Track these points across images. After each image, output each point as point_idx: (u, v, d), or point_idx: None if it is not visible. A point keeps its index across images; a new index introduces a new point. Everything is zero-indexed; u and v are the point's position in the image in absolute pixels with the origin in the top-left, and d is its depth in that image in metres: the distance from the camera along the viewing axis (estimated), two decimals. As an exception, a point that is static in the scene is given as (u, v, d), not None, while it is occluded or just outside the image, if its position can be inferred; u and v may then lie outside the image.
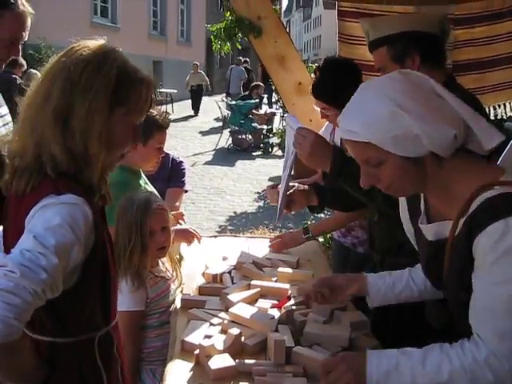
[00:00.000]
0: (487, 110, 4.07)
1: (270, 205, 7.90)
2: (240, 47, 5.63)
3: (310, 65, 12.93)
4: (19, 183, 1.61)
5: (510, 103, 4.25)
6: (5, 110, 2.95)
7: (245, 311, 2.44)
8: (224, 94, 20.62)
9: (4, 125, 2.89)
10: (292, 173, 2.79)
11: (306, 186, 3.04)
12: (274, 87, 7.12)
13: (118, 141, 1.71)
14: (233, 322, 2.41)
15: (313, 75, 3.29)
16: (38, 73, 1.74)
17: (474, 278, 1.61)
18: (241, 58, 22.63)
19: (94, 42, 1.69)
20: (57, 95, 1.59)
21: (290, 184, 2.93)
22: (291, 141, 2.61)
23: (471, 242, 1.58)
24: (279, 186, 3.02)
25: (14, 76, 9.28)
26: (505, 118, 4.38)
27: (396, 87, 1.65)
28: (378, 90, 1.68)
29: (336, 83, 3.05)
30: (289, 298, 2.60)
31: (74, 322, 1.71)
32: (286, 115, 3.22)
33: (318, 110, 3.24)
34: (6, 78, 8.66)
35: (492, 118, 4.16)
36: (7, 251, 1.61)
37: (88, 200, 1.60)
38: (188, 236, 3.17)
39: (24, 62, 9.96)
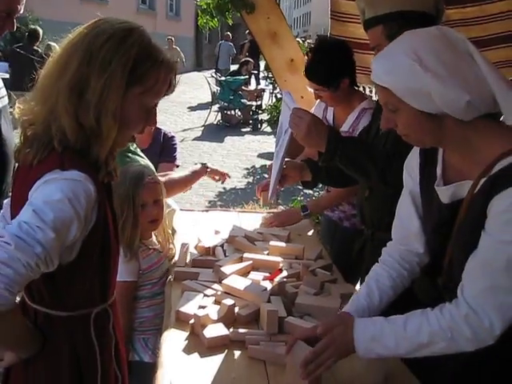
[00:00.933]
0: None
1: (260, 181, 7.94)
2: (231, 23, 5.61)
3: (298, 40, 12.91)
4: (28, 154, 1.60)
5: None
6: (-1, 83, 2.96)
7: (238, 283, 2.50)
8: (213, 70, 20.49)
9: (0, 98, 2.90)
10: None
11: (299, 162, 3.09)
12: (264, 64, 7.14)
13: (131, 120, 1.68)
14: (226, 293, 2.47)
15: (305, 57, 3.32)
16: (56, 46, 1.72)
17: (482, 235, 1.64)
18: (229, 33, 22.44)
19: (119, 19, 1.68)
20: (75, 66, 1.57)
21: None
22: (286, 118, 2.65)
23: (488, 202, 1.62)
24: (272, 163, 3.06)
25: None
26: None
27: (426, 43, 1.68)
28: (409, 42, 1.72)
29: (328, 65, 3.10)
30: (280, 271, 2.66)
31: (71, 296, 1.71)
32: (283, 92, 3.21)
33: (312, 90, 3.28)
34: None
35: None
36: (12, 219, 1.62)
37: (92, 176, 1.59)
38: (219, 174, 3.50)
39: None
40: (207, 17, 5.05)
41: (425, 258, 2.01)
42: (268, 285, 2.52)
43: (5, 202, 2.00)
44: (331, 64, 3.09)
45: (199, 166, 3.54)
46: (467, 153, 1.73)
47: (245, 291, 2.44)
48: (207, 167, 3.51)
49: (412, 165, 2.00)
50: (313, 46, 3.34)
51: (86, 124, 1.59)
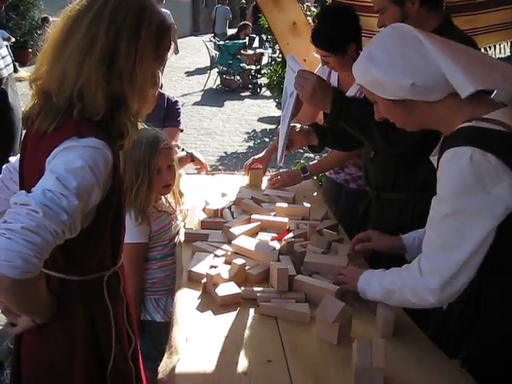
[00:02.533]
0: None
1: (260, 145, 7.95)
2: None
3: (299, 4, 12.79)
4: (43, 122, 1.61)
5: (500, 45, 4.27)
6: (5, 51, 2.98)
7: (247, 243, 2.55)
8: (211, 34, 20.30)
9: (6, 66, 2.92)
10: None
11: (306, 126, 3.12)
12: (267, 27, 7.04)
13: (146, 85, 1.72)
14: (236, 253, 2.53)
15: (312, 23, 3.33)
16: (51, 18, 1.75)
17: None
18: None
19: None
20: (102, 39, 1.60)
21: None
22: (290, 81, 2.68)
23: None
24: (279, 127, 3.09)
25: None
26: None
27: (378, 40, 1.95)
28: (369, 44, 1.98)
29: (334, 31, 3.12)
30: (288, 231, 2.72)
31: (85, 261, 1.75)
32: (287, 56, 3.22)
33: (319, 56, 3.30)
34: None
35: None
36: (25, 186, 1.66)
37: (109, 143, 1.62)
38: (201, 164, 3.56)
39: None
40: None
41: None
42: (276, 245, 2.58)
43: (3, 167, 2.00)
44: (338, 29, 3.11)
45: (184, 153, 3.57)
46: (444, 129, 1.90)
47: (254, 251, 2.50)
48: (192, 156, 3.56)
49: None
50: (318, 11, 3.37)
51: (114, 94, 1.62)
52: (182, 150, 3.61)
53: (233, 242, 2.58)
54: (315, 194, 3.55)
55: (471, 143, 1.70)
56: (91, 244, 1.73)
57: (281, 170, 4.27)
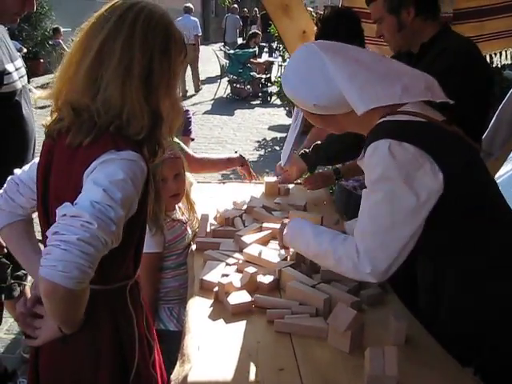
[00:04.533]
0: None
1: (271, 153, 7.95)
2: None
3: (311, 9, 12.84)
4: (77, 136, 1.64)
5: (506, 51, 4.28)
6: (19, 62, 3.00)
7: (258, 251, 2.56)
8: (221, 43, 20.36)
9: (20, 77, 2.95)
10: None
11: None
12: (276, 35, 7.07)
13: (177, 97, 1.83)
14: (247, 261, 2.53)
15: (315, 28, 3.37)
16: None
17: None
18: (236, 6, 22.25)
19: (147, 2, 1.74)
20: (140, 62, 1.65)
21: None
22: None
23: None
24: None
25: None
26: (499, 66, 4.42)
27: (292, 58, 2.16)
28: (288, 61, 2.22)
29: (336, 34, 3.13)
30: None
31: (112, 270, 1.77)
32: None
33: None
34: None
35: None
36: (53, 197, 1.69)
37: (143, 156, 1.67)
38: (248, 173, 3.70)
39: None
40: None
41: None
42: (287, 253, 2.58)
43: (8, 179, 1.95)
44: (338, 32, 3.14)
45: (237, 155, 3.69)
46: (366, 132, 1.99)
47: (266, 259, 2.50)
48: (244, 161, 3.67)
49: None
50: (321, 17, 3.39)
51: (155, 111, 1.69)
52: (236, 152, 3.71)
53: (244, 250, 2.59)
54: (324, 202, 3.55)
55: (387, 135, 1.83)
56: (120, 254, 1.73)
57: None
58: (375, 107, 1.87)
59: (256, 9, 27.40)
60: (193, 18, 15.40)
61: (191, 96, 15.29)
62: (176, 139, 3.09)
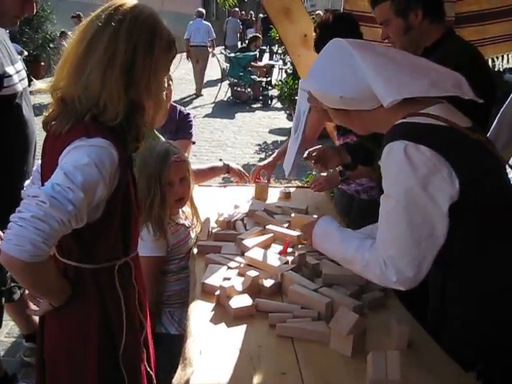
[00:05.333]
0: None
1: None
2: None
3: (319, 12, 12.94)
4: (59, 125, 1.79)
5: (507, 55, 4.28)
6: (20, 65, 3.00)
7: (260, 255, 2.56)
8: (222, 47, 20.37)
9: (20, 80, 2.95)
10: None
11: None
12: (277, 39, 7.03)
13: (160, 92, 1.93)
14: (249, 265, 2.53)
15: (313, 33, 3.37)
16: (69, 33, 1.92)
17: None
18: (237, 9, 22.27)
19: (136, 2, 1.88)
20: (122, 52, 1.77)
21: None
22: (303, 102, 2.73)
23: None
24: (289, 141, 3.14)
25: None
26: (501, 69, 4.43)
27: (319, 54, 2.11)
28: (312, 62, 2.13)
29: (334, 36, 3.13)
30: (288, 244, 2.71)
31: (98, 250, 1.91)
32: (301, 80, 3.22)
33: None
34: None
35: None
36: (43, 182, 1.80)
37: (114, 143, 1.76)
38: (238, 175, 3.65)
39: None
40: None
41: None
42: (290, 257, 2.58)
43: (34, 168, 2.21)
44: (339, 36, 3.13)
45: (221, 163, 3.67)
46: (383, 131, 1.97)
47: (267, 263, 2.50)
48: (229, 168, 3.65)
49: None
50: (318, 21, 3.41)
51: (133, 100, 1.81)
52: (220, 160, 3.67)
53: (246, 254, 2.59)
54: (328, 204, 3.55)
55: (403, 137, 1.80)
56: (102, 235, 1.89)
57: (293, 182, 4.28)
58: (399, 107, 1.84)
59: (252, 12, 27.39)
60: (205, 22, 16.00)
61: (194, 97, 15.35)
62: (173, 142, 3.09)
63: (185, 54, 14.92)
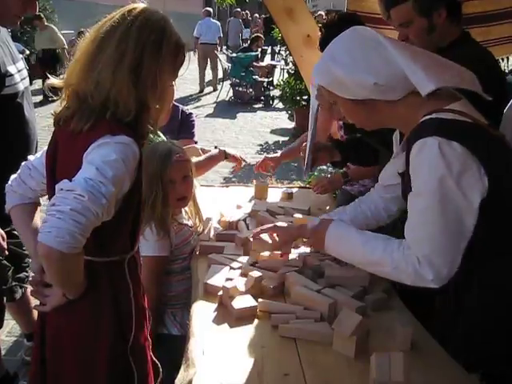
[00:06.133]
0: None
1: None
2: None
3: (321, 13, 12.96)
4: (79, 122, 1.82)
5: (512, 56, 4.27)
6: (21, 64, 3.00)
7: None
8: (224, 47, 20.37)
9: (22, 79, 2.94)
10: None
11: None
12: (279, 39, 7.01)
13: (165, 93, 1.96)
14: (252, 265, 2.53)
15: (317, 29, 3.37)
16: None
17: None
18: (239, 9, 22.27)
19: (144, 4, 1.93)
20: (131, 54, 1.82)
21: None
22: (314, 99, 2.72)
23: (408, 161, 1.90)
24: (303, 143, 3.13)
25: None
26: (506, 71, 4.42)
27: (340, 43, 2.03)
28: (331, 46, 2.06)
29: None
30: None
31: (111, 244, 1.95)
32: (312, 77, 3.26)
33: None
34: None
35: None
36: (59, 178, 1.77)
37: (136, 140, 1.84)
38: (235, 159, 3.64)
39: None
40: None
41: (392, 207, 2.44)
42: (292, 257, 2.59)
43: (23, 164, 2.11)
44: None
45: (216, 150, 3.64)
46: (406, 127, 1.98)
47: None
48: (227, 153, 3.64)
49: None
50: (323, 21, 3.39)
51: (140, 101, 1.86)
52: (215, 147, 3.66)
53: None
54: (328, 207, 3.54)
55: (436, 133, 1.79)
56: (116, 229, 1.92)
57: (294, 183, 4.29)
58: (423, 101, 1.86)
59: (247, 12, 27.35)
60: (213, 20, 17.22)
61: (196, 97, 15.36)
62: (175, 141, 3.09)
63: (192, 52, 15.51)
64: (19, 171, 2.10)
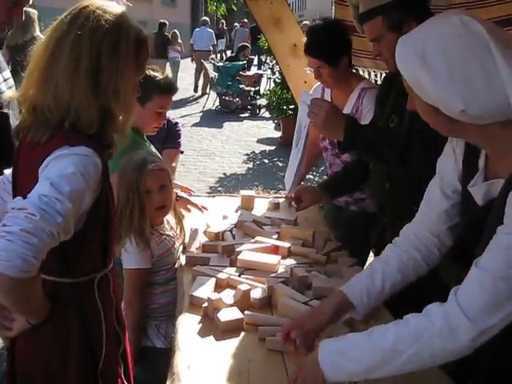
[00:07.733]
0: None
1: (260, 166, 7.96)
2: (235, 8, 5.61)
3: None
4: (36, 134, 1.72)
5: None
6: (7, 73, 2.96)
7: (251, 257, 2.61)
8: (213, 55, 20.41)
9: (8, 88, 2.91)
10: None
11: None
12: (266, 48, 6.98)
13: (130, 97, 1.84)
14: (239, 275, 2.52)
15: (304, 38, 3.37)
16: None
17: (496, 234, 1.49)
18: (246, 20, 22.38)
19: (103, 2, 1.80)
20: (86, 58, 1.70)
21: None
22: (304, 116, 2.70)
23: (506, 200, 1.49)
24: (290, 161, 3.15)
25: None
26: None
27: (439, 36, 1.55)
28: (425, 32, 1.61)
29: (326, 39, 3.17)
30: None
31: (78, 263, 1.83)
32: (301, 93, 3.18)
33: (312, 71, 3.33)
34: None
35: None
36: (19, 194, 1.67)
37: (97, 151, 1.71)
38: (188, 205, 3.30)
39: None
40: (215, 3, 5.05)
41: (447, 242, 1.90)
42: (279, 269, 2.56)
43: (3, 177, 2.08)
44: (331, 39, 3.18)
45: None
46: (497, 150, 1.60)
47: (259, 262, 2.58)
48: (177, 196, 3.28)
49: (454, 153, 1.86)
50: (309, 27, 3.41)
51: (103, 109, 1.75)
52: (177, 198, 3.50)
53: (238, 257, 2.62)
54: (317, 215, 3.53)
55: None
56: (83, 247, 1.81)
57: (280, 192, 4.27)
58: None
59: (223, 21, 27.40)
60: (208, 29, 18.29)
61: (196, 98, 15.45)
62: (155, 151, 3.06)
63: (189, 58, 16.88)
64: None
